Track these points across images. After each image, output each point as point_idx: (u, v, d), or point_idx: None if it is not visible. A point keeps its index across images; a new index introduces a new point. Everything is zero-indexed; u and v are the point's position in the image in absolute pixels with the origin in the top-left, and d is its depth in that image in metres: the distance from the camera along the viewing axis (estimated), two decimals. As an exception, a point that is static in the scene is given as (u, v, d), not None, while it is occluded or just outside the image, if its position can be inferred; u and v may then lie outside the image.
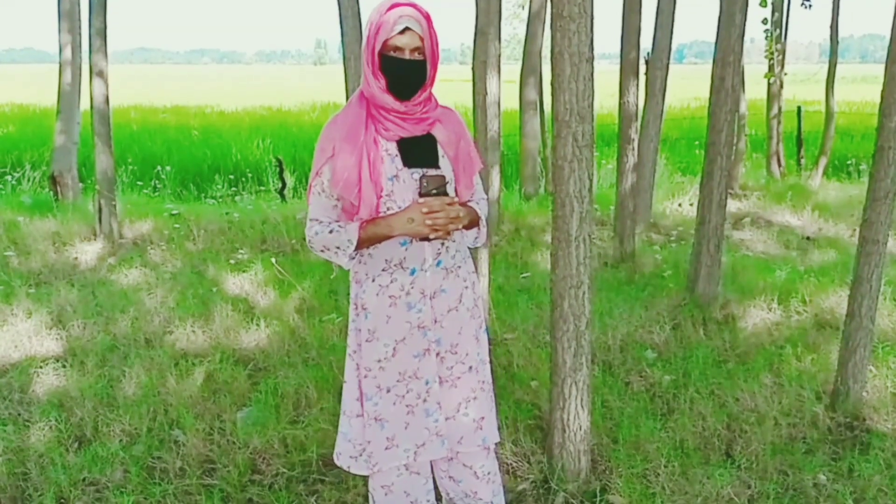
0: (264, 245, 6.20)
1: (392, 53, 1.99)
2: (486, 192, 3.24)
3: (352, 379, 2.22)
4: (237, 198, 8.86)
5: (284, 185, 8.76)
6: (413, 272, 2.11)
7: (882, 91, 3.02)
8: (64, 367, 3.78)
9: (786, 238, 6.58)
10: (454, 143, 2.15)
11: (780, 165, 9.56)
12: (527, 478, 2.83)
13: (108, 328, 4.26)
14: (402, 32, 1.98)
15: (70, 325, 4.26)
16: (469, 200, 2.21)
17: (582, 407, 2.73)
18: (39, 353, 3.97)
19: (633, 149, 5.76)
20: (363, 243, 2.06)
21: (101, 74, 6.19)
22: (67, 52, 7.56)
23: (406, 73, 2.01)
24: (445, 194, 2.04)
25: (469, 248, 2.27)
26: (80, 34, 7.55)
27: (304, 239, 6.58)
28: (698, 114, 14.48)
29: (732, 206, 7.64)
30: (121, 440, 3.10)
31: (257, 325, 4.27)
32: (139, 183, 9.57)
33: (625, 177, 5.71)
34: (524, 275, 5.24)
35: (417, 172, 2.07)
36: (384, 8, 1.99)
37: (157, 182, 9.96)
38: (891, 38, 2.99)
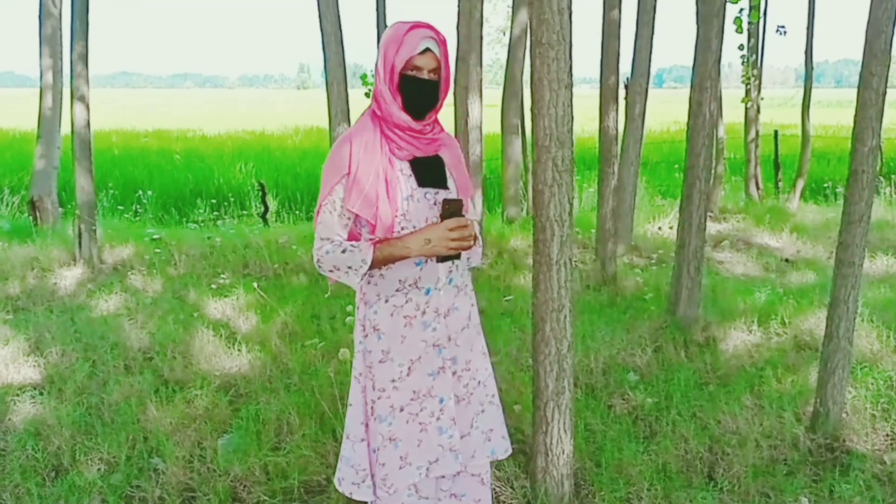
0: (246, 270, 6.17)
1: (411, 72, 2.04)
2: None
3: (357, 402, 2.21)
4: (219, 222, 8.83)
5: (267, 209, 8.76)
6: (428, 292, 2.13)
7: (855, 116, 3.09)
8: (41, 394, 3.73)
9: (765, 260, 6.65)
10: (456, 166, 2.21)
11: (758, 188, 9.69)
12: (510, 503, 2.82)
13: (86, 355, 4.21)
14: (422, 53, 2.03)
15: (48, 352, 4.21)
16: None
17: (565, 431, 2.73)
18: (16, 380, 3.91)
19: (614, 172, 5.81)
20: (377, 263, 2.05)
21: (83, 99, 6.17)
22: (49, 77, 7.55)
23: (423, 93, 2.06)
24: (462, 216, 2.09)
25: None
26: (61, 59, 7.55)
27: (286, 263, 6.47)
28: (678, 137, 14.67)
29: (712, 228, 7.73)
30: (99, 469, 3.05)
31: (239, 350, 4.24)
32: (120, 207, 9.52)
33: (606, 200, 5.76)
34: (507, 298, 5.25)
35: (430, 192, 2.11)
36: (404, 28, 2.03)
37: (138, 206, 9.92)
38: (862, 64, 3.06)
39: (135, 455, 3.14)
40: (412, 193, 2.08)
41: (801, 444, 3.16)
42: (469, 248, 2.08)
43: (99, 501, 2.84)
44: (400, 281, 2.11)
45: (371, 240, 2.07)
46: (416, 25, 2.03)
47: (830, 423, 3.23)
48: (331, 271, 2.10)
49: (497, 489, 2.88)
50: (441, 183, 2.14)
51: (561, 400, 2.70)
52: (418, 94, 2.05)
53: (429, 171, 2.12)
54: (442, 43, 2.06)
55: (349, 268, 2.06)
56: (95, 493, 2.87)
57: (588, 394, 3.67)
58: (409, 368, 2.15)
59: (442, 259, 2.08)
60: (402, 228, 2.07)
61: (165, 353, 4.18)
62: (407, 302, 2.12)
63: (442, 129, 2.18)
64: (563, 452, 2.74)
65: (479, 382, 2.28)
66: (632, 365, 4.02)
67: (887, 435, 3.22)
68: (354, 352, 2.21)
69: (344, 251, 2.06)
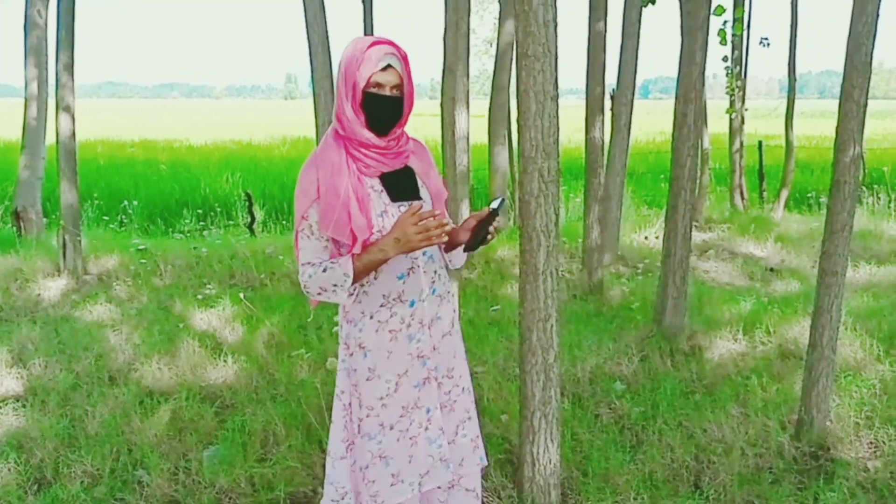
0: (233, 280, 6.15)
1: (373, 90, 2.02)
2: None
3: (338, 420, 2.20)
4: (205, 232, 8.79)
5: (253, 219, 8.73)
6: (412, 304, 2.12)
7: (837, 127, 3.12)
8: (24, 406, 3.69)
9: (750, 269, 6.69)
10: (427, 173, 2.20)
11: (743, 198, 9.76)
12: (497, 513, 2.82)
13: (70, 366, 4.17)
14: (383, 70, 2.01)
15: (31, 364, 4.17)
16: None
17: (552, 440, 2.73)
18: (-1, 392, 3.88)
19: (600, 182, 5.85)
20: (360, 275, 2.03)
21: (68, 109, 6.14)
22: (34, 87, 7.51)
23: (387, 109, 2.04)
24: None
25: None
26: (46, 69, 7.50)
27: (273, 273, 6.44)
28: (663, 148, 14.75)
29: (698, 237, 7.77)
30: (83, 482, 3.02)
31: (225, 361, 4.22)
32: (105, 218, 9.46)
33: (592, 210, 5.79)
34: (494, 308, 5.26)
35: (404, 206, 2.10)
36: (364, 45, 2.01)
37: (123, 217, 9.86)
38: (844, 76, 3.10)
39: (119, 467, 3.11)
40: (386, 209, 2.08)
41: (786, 452, 3.18)
42: (441, 232, 1.97)
43: (82, 514, 2.81)
44: (384, 296, 2.10)
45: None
46: (377, 42, 2.02)
47: (815, 432, 3.25)
48: (319, 294, 2.09)
49: (484, 499, 2.87)
50: (413, 194, 2.14)
51: (548, 409, 2.70)
52: (382, 110, 2.04)
53: (400, 185, 2.12)
54: (403, 58, 2.05)
55: (334, 285, 2.05)
56: (79, 506, 2.85)
57: (575, 403, 3.67)
58: (396, 384, 2.14)
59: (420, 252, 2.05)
60: None
61: (150, 365, 4.15)
62: (392, 316, 2.11)
63: (409, 140, 2.17)
64: (550, 462, 2.74)
65: (462, 389, 2.28)
66: (618, 374, 4.03)
67: (871, 443, 3.25)
68: (338, 369, 2.20)
69: (325, 270, 2.05)
